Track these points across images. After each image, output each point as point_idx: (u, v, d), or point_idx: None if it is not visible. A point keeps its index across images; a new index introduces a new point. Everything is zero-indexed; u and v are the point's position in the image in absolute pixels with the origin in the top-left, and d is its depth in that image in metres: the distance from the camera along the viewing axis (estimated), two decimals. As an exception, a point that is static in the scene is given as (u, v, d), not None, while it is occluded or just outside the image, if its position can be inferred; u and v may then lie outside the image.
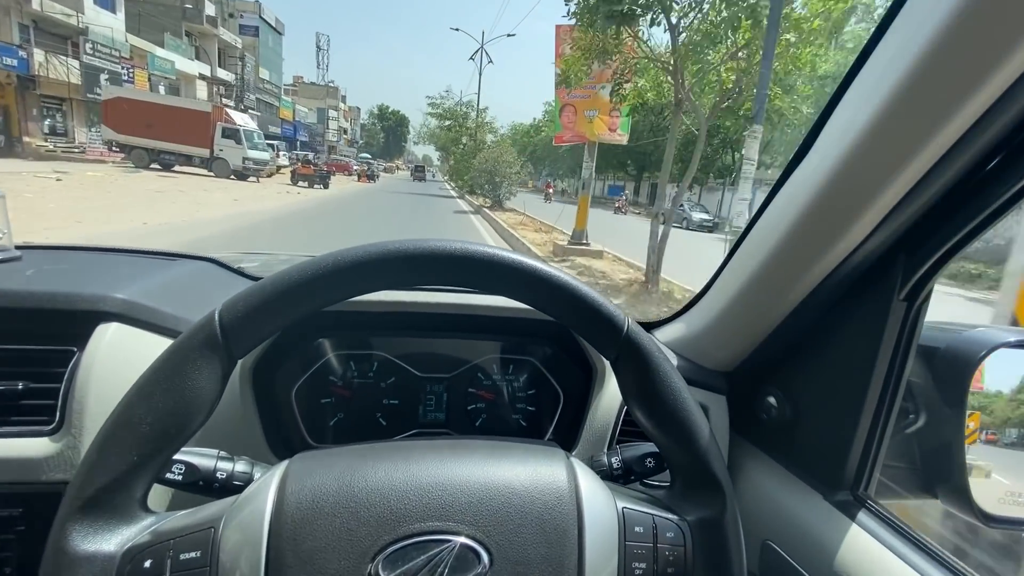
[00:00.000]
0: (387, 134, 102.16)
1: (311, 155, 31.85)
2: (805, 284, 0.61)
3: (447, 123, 29.61)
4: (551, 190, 31.44)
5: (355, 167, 39.20)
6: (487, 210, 16.84)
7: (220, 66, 33.76)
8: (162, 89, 25.31)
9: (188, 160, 19.94)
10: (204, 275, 0.93)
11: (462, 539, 0.38)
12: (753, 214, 0.69)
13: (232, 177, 19.54)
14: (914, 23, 0.43)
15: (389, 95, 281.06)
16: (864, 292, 0.60)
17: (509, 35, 26.70)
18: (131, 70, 23.22)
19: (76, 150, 21.37)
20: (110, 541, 0.38)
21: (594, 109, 7.49)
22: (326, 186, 21.62)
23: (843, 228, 0.54)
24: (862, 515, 0.60)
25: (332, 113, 67.95)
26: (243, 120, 20.98)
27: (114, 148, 19.99)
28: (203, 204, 11.03)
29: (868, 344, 0.58)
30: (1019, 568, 0.80)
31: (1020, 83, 0.39)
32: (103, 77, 20.85)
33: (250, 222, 9.30)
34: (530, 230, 12.02)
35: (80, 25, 20.84)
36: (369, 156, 62.74)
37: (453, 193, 28.82)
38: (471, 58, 27.74)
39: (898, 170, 0.47)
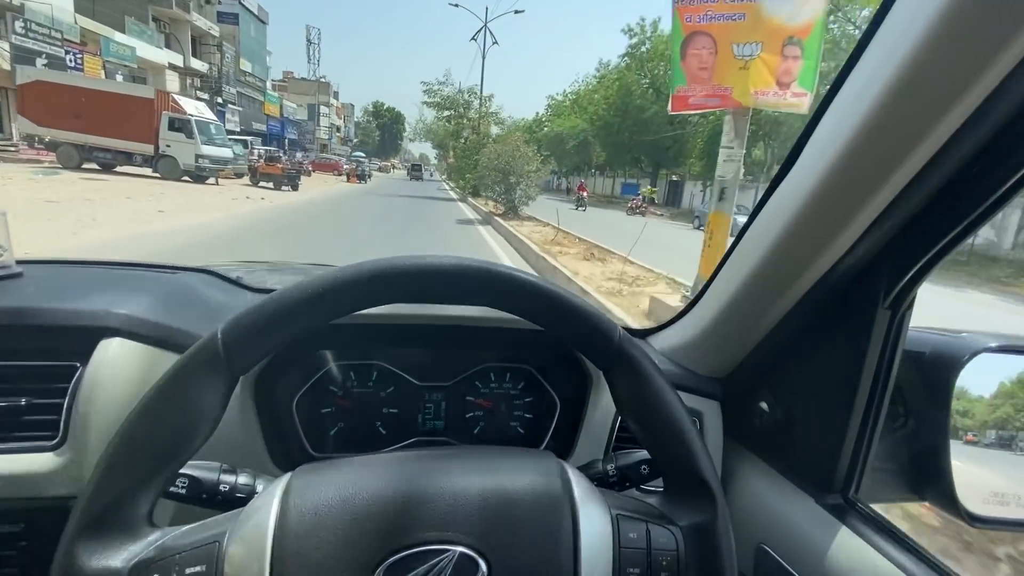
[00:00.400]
0: (383, 132, 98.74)
1: (275, 150, 27.79)
2: (794, 293, 0.63)
3: (446, 114, 26.01)
4: (585, 193, 24.37)
5: (345, 166, 36.05)
6: (500, 219, 13.19)
7: (194, 56, 30.36)
8: (120, 78, 21.80)
9: (129, 159, 16.16)
10: (203, 287, 0.91)
11: (461, 549, 0.39)
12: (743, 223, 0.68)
13: (185, 179, 15.90)
14: (893, 38, 0.44)
15: (385, 92, 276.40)
16: (850, 301, 0.61)
17: (517, 12, 22.95)
18: (79, 56, 19.72)
19: (11, 148, 18.02)
20: (117, 557, 0.39)
21: (754, 41, 3.39)
22: (295, 188, 18.16)
23: (828, 240, 0.56)
24: (852, 518, 0.61)
25: (324, 110, 64.43)
26: (196, 109, 17.13)
27: (36, 144, 16.24)
28: (103, 222, 7.59)
29: (855, 351, 0.60)
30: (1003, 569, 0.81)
31: (994, 98, 0.41)
32: (40, 62, 17.45)
33: (156, 251, 5.85)
34: (574, 256, 7.73)
35: (14, 2, 17.55)
36: (363, 155, 59.83)
37: (454, 195, 25.22)
38: (473, 38, 24.15)
39: (878, 184, 0.49)
